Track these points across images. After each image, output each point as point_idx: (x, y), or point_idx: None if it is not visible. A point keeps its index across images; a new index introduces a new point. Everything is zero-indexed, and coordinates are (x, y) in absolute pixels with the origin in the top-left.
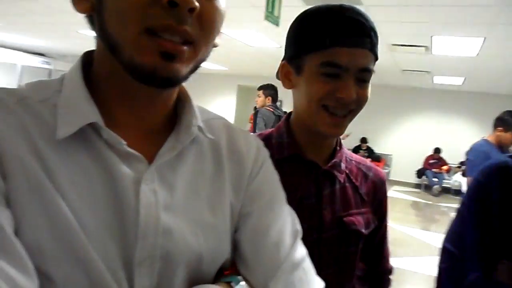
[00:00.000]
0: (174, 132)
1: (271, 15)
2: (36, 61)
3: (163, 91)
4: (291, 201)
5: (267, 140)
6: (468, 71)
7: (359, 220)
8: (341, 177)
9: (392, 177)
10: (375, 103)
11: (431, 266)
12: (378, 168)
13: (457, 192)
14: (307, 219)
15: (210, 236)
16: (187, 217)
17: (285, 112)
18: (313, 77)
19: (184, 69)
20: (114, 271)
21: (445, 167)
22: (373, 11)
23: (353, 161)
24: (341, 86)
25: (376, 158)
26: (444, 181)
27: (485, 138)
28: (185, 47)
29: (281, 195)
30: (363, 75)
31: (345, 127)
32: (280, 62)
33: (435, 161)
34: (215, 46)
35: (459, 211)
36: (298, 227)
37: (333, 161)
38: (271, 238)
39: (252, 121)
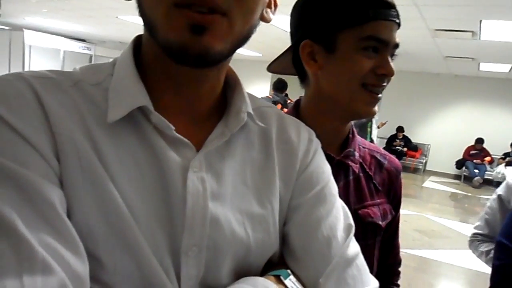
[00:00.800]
0: (223, 119)
1: None
2: (78, 47)
3: (204, 72)
4: None
5: None
6: None
7: (374, 211)
8: (355, 167)
9: (429, 167)
10: (413, 91)
11: (469, 259)
12: (393, 157)
13: (500, 184)
14: None
15: (258, 228)
16: (234, 208)
17: (285, 95)
18: (352, 53)
19: (218, 44)
20: (162, 259)
21: (487, 158)
22: None
23: (366, 149)
24: (382, 62)
25: (412, 148)
26: (486, 172)
27: None
28: (216, 16)
29: (333, 187)
30: (394, 51)
31: (377, 105)
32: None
33: (476, 151)
34: (264, 20)
35: None
36: (351, 221)
37: (346, 150)
38: (322, 232)
39: None
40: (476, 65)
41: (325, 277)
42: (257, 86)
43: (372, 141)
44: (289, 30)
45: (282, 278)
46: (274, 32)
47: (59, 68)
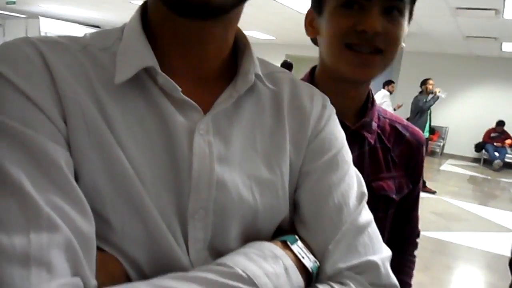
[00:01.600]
0: (232, 82)
1: None
2: None
3: (210, 29)
4: None
5: None
6: None
7: (389, 185)
8: (371, 138)
9: (447, 150)
10: (432, 72)
11: (488, 242)
12: (417, 129)
13: None
14: None
15: (266, 192)
16: (242, 171)
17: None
18: (333, 12)
19: None
20: (169, 222)
21: (508, 141)
22: None
23: (387, 119)
24: (362, 18)
25: (430, 130)
26: (507, 155)
27: None
28: None
29: (347, 155)
30: (391, 4)
31: (375, 68)
32: None
33: (497, 134)
34: None
35: None
36: (364, 189)
37: (363, 120)
38: (334, 199)
39: None
40: (499, 45)
41: (334, 243)
42: None
43: (431, 130)
44: (301, 11)
45: (288, 243)
46: (287, 12)
47: None
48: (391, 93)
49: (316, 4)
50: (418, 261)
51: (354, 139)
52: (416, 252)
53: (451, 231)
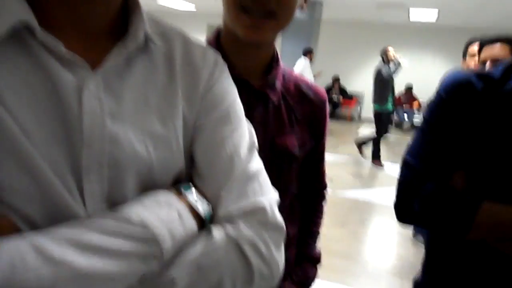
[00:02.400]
0: (122, 40)
1: None
2: None
3: None
4: None
5: None
6: (442, 2)
7: (292, 141)
8: (275, 97)
9: (364, 114)
10: (347, 40)
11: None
12: (320, 88)
13: None
14: None
15: (160, 146)
16: (135, 126)
17: None
18: None
19: None
20: (63, 178)
21: (416, 103)
22: None
23: (291, 79)
24: None
25: (348, 97)
26: (415, 117)
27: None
28: None
29: (239, 108)
30: None
31: (266, 31)
32: None
33: (405, 98)
34: None
35: (421, 126)
36: (255, 140)
37: (266, 79)
38: (226, 150)
39: None
40: (407, 11)
41: (225, 190)
42: None
43: (393, 107)
44: None
45: (182, 190)
46: None
47: None
48: (311, 61)
49: None
50: (335, 218)
51: (258, 98)
52: (326, 207)
53: (365, 188)
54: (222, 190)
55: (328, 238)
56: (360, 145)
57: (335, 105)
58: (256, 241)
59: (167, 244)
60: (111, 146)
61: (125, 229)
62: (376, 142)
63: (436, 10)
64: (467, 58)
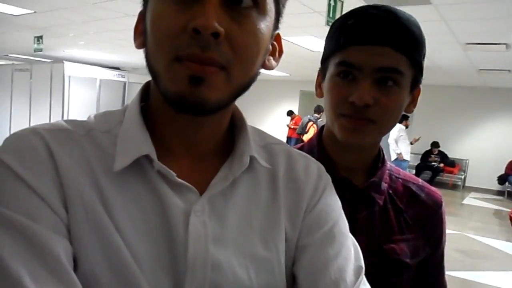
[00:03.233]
0: (228, 161)
1: (332, 20)
2: (112, 75)
3: (204, 119)
4: None
5: None
6: None
7: (402, 248)
8: (380, 199)
9: (469, 183)
10: (447, 105)
11: None
12: (434, 189)
13: None
14: None
15: (262, 270)
16: (237, 250)
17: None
18: (331, 80)
19: (214, 95)
20: None
21: None
22: (443, 10)
23: (400, 179)
24: (355, 89)
25: (449, 163)
26: None
27: None
28: (213, 68)
29: (343, 226)
30: (385, 76)
31: (366, 135)
32: None
33: None
34: (266, 68)
35: None
36: (362, 263)
37: (371, 180)
38: (330, 275)
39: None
40: (510, 75)
41: None
42: (286, 105)
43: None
44: (313, 49)
45: None
46: (299, 51)
47: (95, 96)
48: (407, 127)
49: (322, 68)
50: None
51: (362, 199)
52: None
53: (477, 270)
54: None
55: None
56: None
57: (435, 172)
58: None
59: None
60: (213, 273)
61: None
62: None
63: None
64: None
